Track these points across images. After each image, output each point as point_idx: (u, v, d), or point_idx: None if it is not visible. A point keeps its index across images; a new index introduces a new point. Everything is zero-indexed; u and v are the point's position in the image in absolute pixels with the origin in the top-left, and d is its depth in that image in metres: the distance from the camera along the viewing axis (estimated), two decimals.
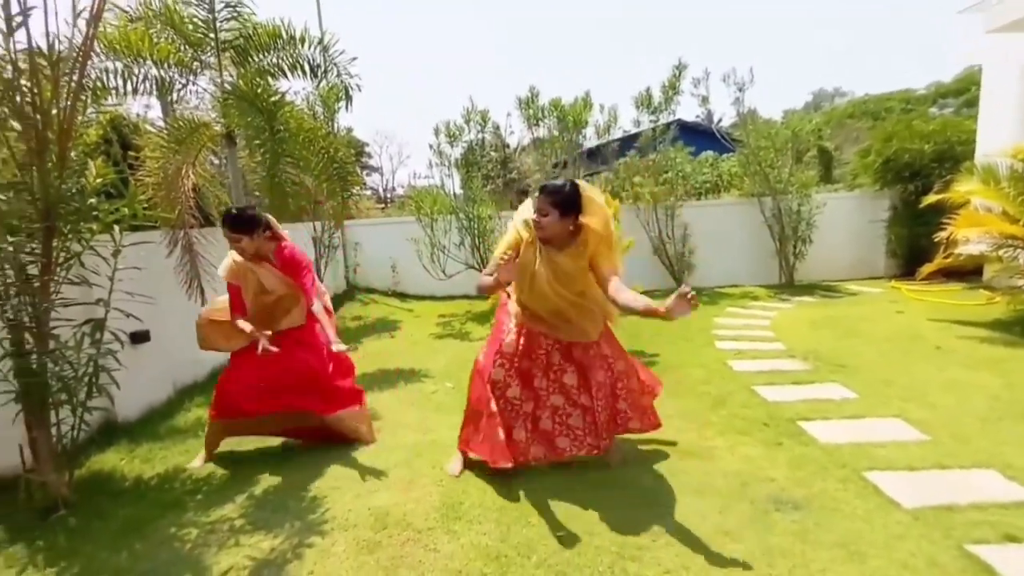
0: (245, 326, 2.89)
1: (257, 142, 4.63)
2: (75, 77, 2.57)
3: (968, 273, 7.11)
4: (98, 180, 2.63)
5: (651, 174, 8.32)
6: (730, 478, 2.58)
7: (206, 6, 4.63)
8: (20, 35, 2.34)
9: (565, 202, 2.38)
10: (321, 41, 5.10)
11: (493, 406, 2.61)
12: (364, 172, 22.91)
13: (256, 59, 5.03)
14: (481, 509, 2.42)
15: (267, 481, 2.84)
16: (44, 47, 2.42)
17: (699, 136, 10.63)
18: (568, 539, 2.16)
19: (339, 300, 8.61)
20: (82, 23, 2.54)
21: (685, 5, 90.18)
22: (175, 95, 4.95)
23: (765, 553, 2.01)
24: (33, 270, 2.51)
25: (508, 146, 9.38)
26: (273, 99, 4.70)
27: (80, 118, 2.69)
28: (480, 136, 8.19)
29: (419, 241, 7.78)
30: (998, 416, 3.16)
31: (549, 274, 2.49)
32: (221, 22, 4.74)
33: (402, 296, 9.18)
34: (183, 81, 4.83)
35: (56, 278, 2.58)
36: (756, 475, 2.60)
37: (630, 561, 2.01)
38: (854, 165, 10.62)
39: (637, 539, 2.13)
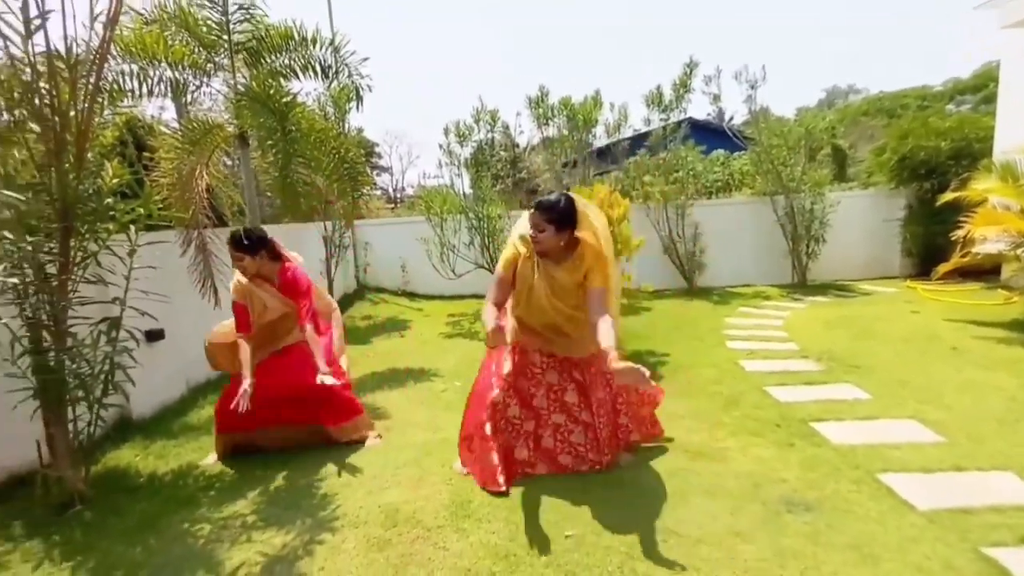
0: (245, 370, 2.94)
1: (269, 143, 4.67)
2: (92, 79, 2.61)
3: (985, 272, 6.99)
4: (114, 181, 2.67)
5: (661, 173, 8.27)
6: (742, 479, 2.56)
7: (220, 8, 4.68)
8: (39, 38, 2.39)
9: (560, 218, 2.39)
10: (332, 42, 5.13)
11: (488, 430, 2.62)
12: (374, 172, 23.05)
13: (268, 60, 5.08)
14: (490, 508, 2.42)
15: (278, 478, 2.87)
16: (62, 50, 2.46)
17: (710, 134, 10.57)
18: (577, 539, 2.15)
19: (349, 299, 8.68)
20: (99, 26, 2.59)
21: (692, 13, 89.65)
22: (189, 97, 5.03)
23: (777, 555, 1.99)
24: (51, 269, 2.56)
25: (518, 146, 9.39)
26: (285, 100, 4.75)
27: (97, 120, 2.75)
28: (490, 136, 8.20)
29: (429, 241, 7.81)
30: (1015, 418, 3.10)
31: (547, 288, 2.52)
32: (234, 24, 4.79)
33: (412, 295, 9.22)
34: (197, 83, 4.90)
35: (73, 277, 2.62)
36: (768, 476, 2.58)
37: (639, 561, 2.00)
38: (869, 163, 10.49)
39: (647, 539, 2.12)
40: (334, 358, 3.34)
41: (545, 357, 2.72)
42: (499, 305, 2.58)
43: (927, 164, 7.90)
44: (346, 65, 5.26)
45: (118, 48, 4.17)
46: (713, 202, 9.38)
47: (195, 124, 4.81)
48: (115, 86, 4.29)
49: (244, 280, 3.04)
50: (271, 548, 2.23)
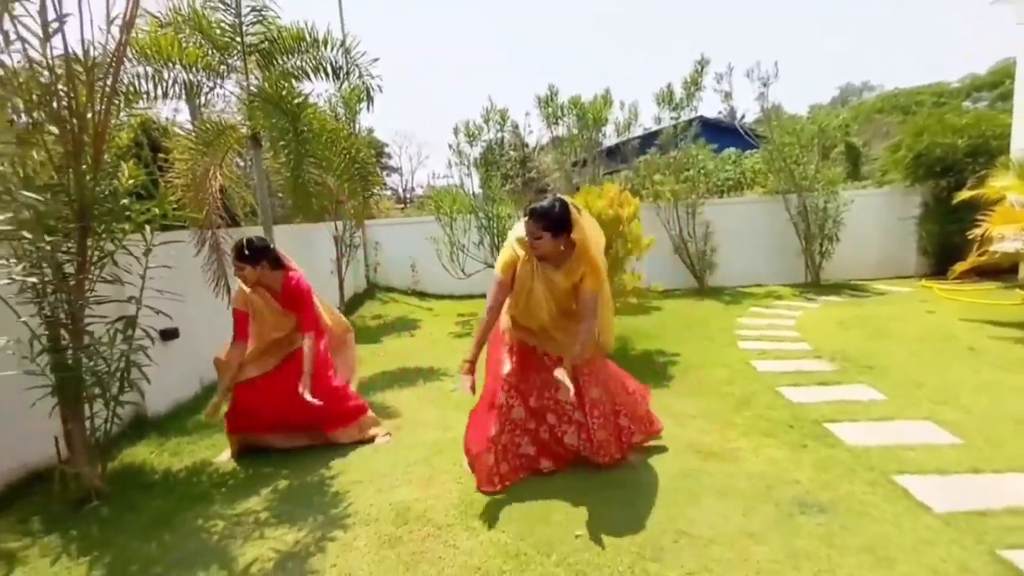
0: (224, 381, 3.08)
1: (281, 143, 4.71)
2: (109, 82, 2.66)
3: (1003, 272, 6.88)
4: (130, 182, 2.71)
5: (672, 172, 8.22)
6: (754, 480, 2.54)
7: (233, 10, 4.72)
8: (56, 41, 2.43)
9: (555, 224, 2.39)
10: (343, 43, 5.16)
11: (492, 431, 2.63)
12: (384, 172, 23.15)
13: (280, 62, 5.12)
14: (500, 507, 2.42)
15: (291, 475, 2.90)
16: (80, 53, 2.50)
17: (722, 133, 10.48)
18: (587, 538, 2.15)
19: (359, 299, 8.73)
20: (115, 29, 2.63)
21: (697, 3, 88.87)
22: (203, 98, 5.08)
23: (790, 556, 1.98)
24: (69, 268, 2.60)
25: (527, 145, 9.37)
26: (297, 101, 4.79)
27: (113, 122, 2.78)
28: (499, 135, 8.21)
29: (438, 240, 7.83)
30: None
31: (546, 291, 2.54)
32: (247, 26, 4.83)
33: (421, 295, 9.26)
34: (210, 84, 4.94)
35: (90, 276, 2.67)
36: (781, 477, 2.55)
37: (651, 562, 1.99)
38: (883, 161, 10.35)
39: (658, 540, 2.11)
40: (330, 369, 3.34)
41: (540, 356, 2.74)
42: (498, 308, 2.62)
43: (943, 161, 7.78)
44: (357, 66, 5.28)
45: (134, 51, 4.22)
46: (724, 201, 9.31)
47: (208, 125, 4.87)
48: (131, 88, 4.35)
49: (247, 289, 3.10)
50: (284, 545, 2.25)
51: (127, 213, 2.71)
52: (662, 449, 2.91)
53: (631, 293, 4.62)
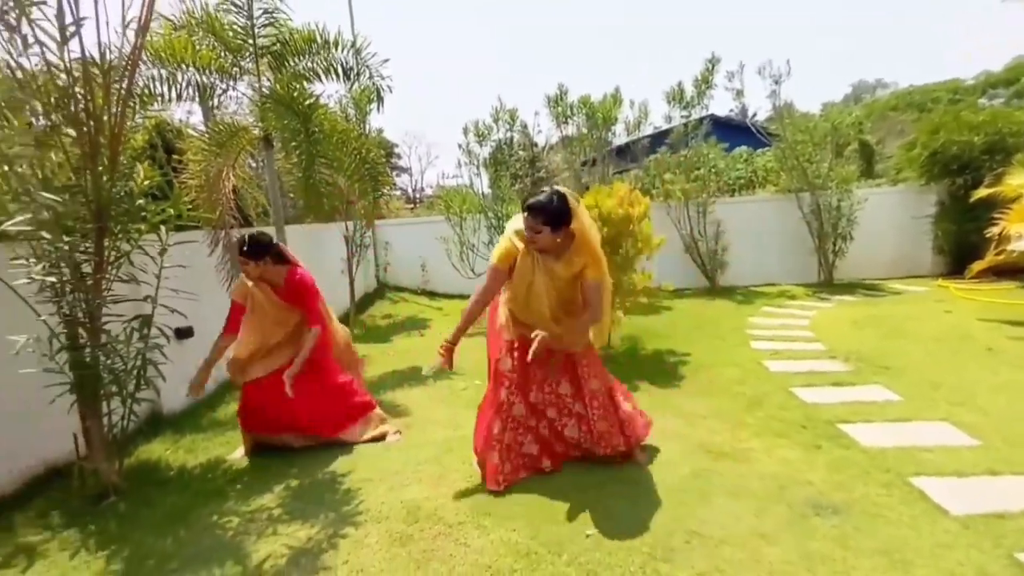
0: (208, 364, 3.15)
1: (293, 144, 4.75)
2: (125, 84, 2.69)
3: (1021, 271, 6.75)
4: (145, 183, 2.75)
5: (682, 170, 8.18)
6: (766, 480, 2.52)
7: (245, 13, 4.77)
8: (73, 44, 2.47)
9: (554, 218, 2.38)
10: (354, 44, 5.19)
11: (496, 429, 2.64)
12: (394, 173, 23.25)
13: (292, 63, 5.16)
14: (511, 505, 2.42)
15: (303, 473, 2.92)
16: (96, 56, 2.54)
17: (733, 131, 10.40)
18: (598, 538, 2.15)
19: (369, 299, 8.78)
20: (131, 33, 2.66)
21: (682, 13, 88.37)
22: (216, 100, 5.13)
23: (803, 558, 1.96)
24: (87, 268, 2.65)
25: (536, 145, 9.37)
26: (308, 102, 4.83)
27: (129, 123, 2.82)
28: (508, 135, 8.22)
29: (448, 240, 7.85)
30: None
31: (547, 282, 2.52)
32: (259, 28, 4.87)
33: (431, 294, 9.29)
34: (223, 86, 5.00)
35: (107, 276, 2.71)
36: (793, 478, 2.53)
37: (662, 562, 1.98)
38: (898, 159, 10.21)
39: (669, 540, 2.10)
40: (335, 365, 3.38)
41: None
42: (490, 296, 2.63)
43: (959, 159, 7.66)
44: (367, 67, 5.32)
45: (148, 54, 4.27)
46: (736, 199, 9.23)
47: (221, 127, 4.92)
48: (146, 91, 4.41)
49: (249, 282, 3.14)
50: (296, 541, 2.27)
51: (143, 214, 2.75)
52: (673, 449, 2.90)
53: (642, 293, 4.59)
